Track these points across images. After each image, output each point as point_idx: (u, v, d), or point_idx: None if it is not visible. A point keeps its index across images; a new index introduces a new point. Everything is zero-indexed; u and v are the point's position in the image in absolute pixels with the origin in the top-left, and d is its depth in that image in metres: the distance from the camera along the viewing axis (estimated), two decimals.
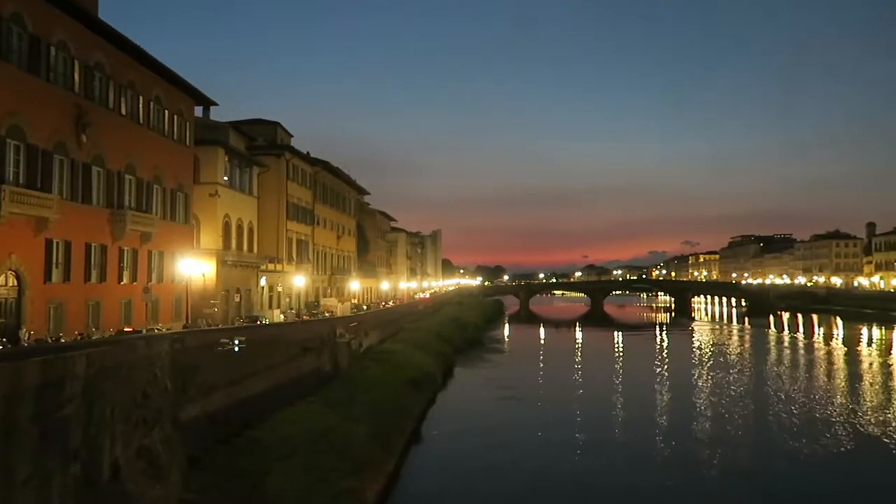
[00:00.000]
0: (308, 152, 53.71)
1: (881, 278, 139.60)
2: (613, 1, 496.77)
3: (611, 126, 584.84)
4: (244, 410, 25.09)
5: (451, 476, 25.59)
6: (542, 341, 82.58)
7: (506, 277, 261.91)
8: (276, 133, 50.75)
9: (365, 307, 59.73)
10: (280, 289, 47.26)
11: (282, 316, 40.90)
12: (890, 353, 63.21)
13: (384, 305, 68.20)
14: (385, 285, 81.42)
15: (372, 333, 51.20)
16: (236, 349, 25.48)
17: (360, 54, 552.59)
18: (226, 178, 39.39)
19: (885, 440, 30.19)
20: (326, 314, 46.30)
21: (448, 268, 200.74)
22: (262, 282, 44.16)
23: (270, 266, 45.01)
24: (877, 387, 44.49)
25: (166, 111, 32.45)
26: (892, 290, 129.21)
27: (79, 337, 22.37)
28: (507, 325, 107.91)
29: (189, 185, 35.07)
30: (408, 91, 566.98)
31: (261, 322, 35.38)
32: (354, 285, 64.79)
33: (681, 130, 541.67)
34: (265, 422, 24.86)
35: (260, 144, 47.83)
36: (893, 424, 33.06)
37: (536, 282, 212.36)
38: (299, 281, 48.99)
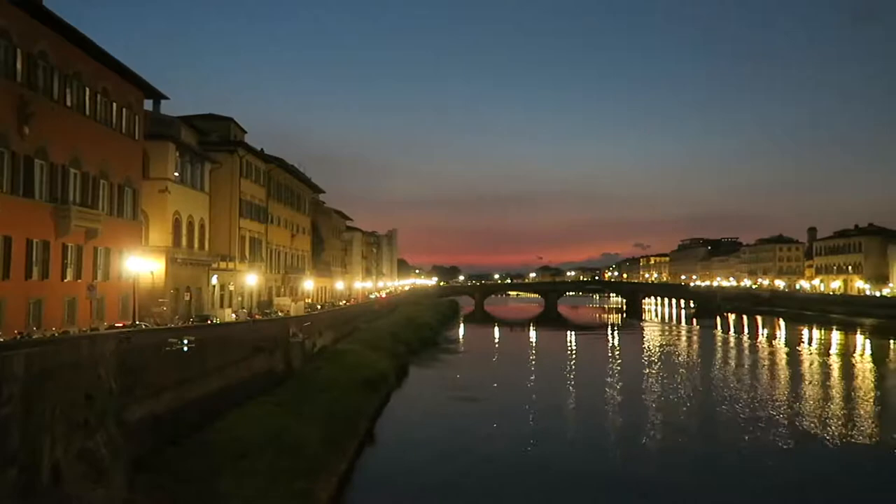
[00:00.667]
0: (262, 149, 52.95)
1: (821, 281, 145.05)
2: (568, 2, 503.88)
3: (566, 129, 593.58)
4: (194, 411, 24.58)
5: (403, 476, 25.57)
6: (497, 341, 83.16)
7: (461, 278, 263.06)
8: (229, 129, 49.84)
9: (319, 307, 59.16)
10: (232, 288, 46.44)
11: (233, 315, 40.17)
12: (828, 354, 65.72)
13: (339, 305, 67.67)
14: (340, 285, 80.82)
15: (326, 333, 50.76)
16: (185, 349, 24.93)
17: (318, 53, 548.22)
18: (176, 174, 38.50)
19: (823, 435, 31.38)
20: (280, 314, 45.70)
21: (404, 268, 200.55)
22: (214, 280, 43.31)
23: (222, 264, 44.19)
24: (815, 385, 46.21)
25: (114, 104, 31.52)
26: (830, 293, 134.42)
27: (18, 336, 21.55)
28: (462, 326, 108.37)
29: (138, 181, 34.16)
30: (364, 91, 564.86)
31: (212, 321, 34.70)
32: (309, 284, 64.12)
33: (634, 134, 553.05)
34: (216, 423, 24.41)
35: (213, 140, 46.89)
36: (829, 420, 34.40)
37: (492, 282, 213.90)
38: (252, 280, 48.23)
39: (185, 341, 25.07)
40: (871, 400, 40.62)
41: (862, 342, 77.02)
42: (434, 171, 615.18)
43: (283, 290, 57.34)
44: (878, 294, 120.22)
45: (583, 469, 26.31)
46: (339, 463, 24.76)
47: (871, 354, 65.06)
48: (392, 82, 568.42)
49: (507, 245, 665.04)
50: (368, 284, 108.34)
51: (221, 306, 43.35)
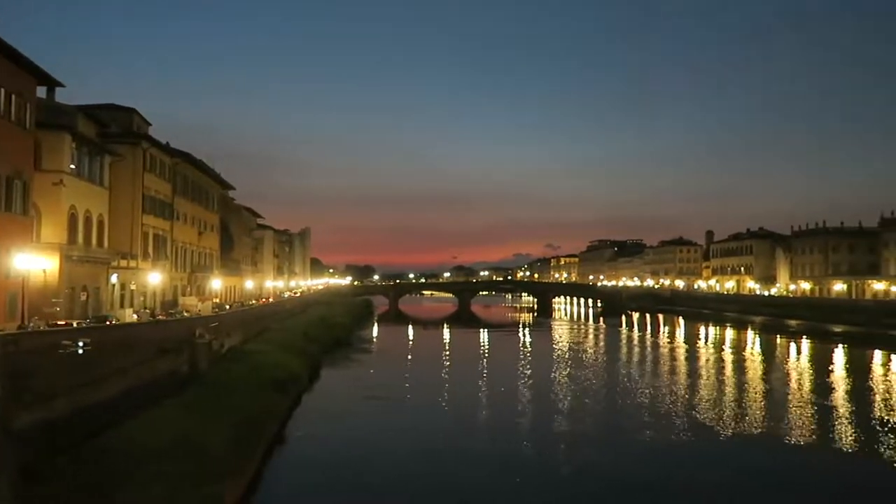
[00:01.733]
0: (168, 143, 50.82)
1: (717, 282, 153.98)
2: (490, 2, 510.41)
3: (480, 129, 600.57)
4: (92, 417, 23.32)
5: (314, 477, 25.27)
6: (411, 341, 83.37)
7: (376, 277, 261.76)
8: (132, 120, 47.50)
9: (228, 306, 57.42)
10: (134, 287, 44.33)
11: (135, 316, 38.29)
12: (722, 350, 69.92)
13: (249, 305, 65.91)
14: (250, 284, 78.70)
15: (234, 334, 49.34)
16: (80, 351, 23.61)
17: (229, 48, 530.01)
18: (73, 167, 36.29)
19: (716, 426, 33.37)
20: (185, 314, 44.04)
21: (317, 267, 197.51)
22: (114, 279, 41.21)
23: (123, 262, 42.10)
24: (710, 379, 49.05)
25: (2, 90, 29.41)
26: (725, 293, 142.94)
27: None
28: (376, 325, 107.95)
29: (29, 173, 31.97)
30: (277, 85, 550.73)
31: (111, 322, 33.00)
32: (216, 284, 62.07)
33: (547, 138, 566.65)
34: (116, 428, 23.26)
35: (114, 132, 44.53)
36: (721, 412, 36.63)
37: (406, 282, 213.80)
38: (155, 278, 46.21)
39: (81, 343, 23.75)
40: (760, 392, 43.53)
41: (752, 338, 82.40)
42: (349, 170, 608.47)
43: (189, 289, 55.26)
44: (766, 294, 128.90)
45: (494, 464, 26.81)
46: (248, 466, 24.18)
47: (760, 350, 69.73)
48: (305, 77, 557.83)
49: (423, 245, 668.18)
50: (280, 284, 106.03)
51: (122, 306, 41.26)
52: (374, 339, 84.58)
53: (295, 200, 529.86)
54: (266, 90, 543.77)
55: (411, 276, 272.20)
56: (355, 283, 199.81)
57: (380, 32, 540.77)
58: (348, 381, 48.15)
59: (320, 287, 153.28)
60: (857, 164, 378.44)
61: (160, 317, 40.70)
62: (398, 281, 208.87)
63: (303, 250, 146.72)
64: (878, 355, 63.09)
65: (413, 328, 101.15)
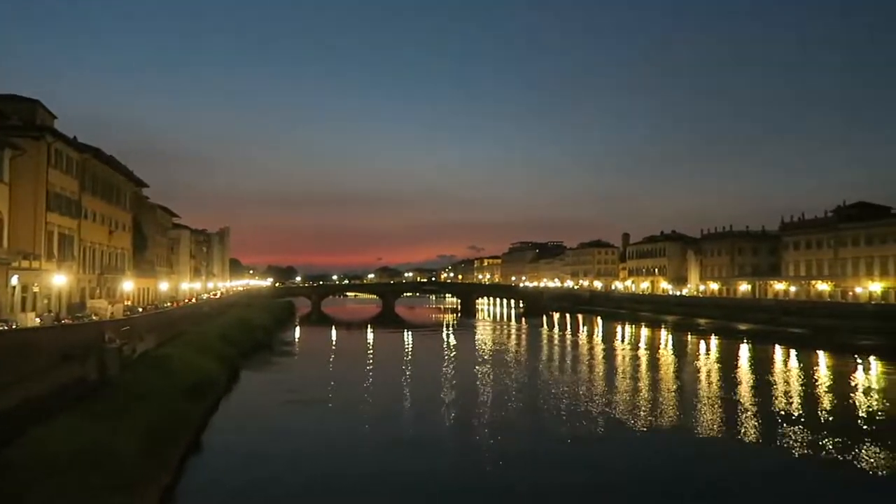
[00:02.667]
0: (76, 137, 48.20)
1: (633, 282, 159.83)
2: (412, 1, 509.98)
3: (402, 130, 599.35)
4: None
5: (231, 485, 24.54)
6: (334, 343, 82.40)
7: (298, 279, 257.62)
8: (34, 112, 44.75)
9: (140, 309, 55.01)
10: (37, 289, 41.78)
11: (38, 320, 36.10)
12: (638, 348, 72.62)
13: (164, 307, 63.38)
14: (165, 286, 75.70)
15: (148, 337, 47.32)
16: None
17: (144, 40, 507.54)
18: None
19: (631, 421, 34.64)
20: (94, 317, 41.88)
21: (237, 268, 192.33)
22: (14, 281, 38.70)
23: (25, 263, 39.59)
24: (626, 377, 50.85)
25: None
26: (640, 293, 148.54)
27: None
28: (298, 327, 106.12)
29: None
30: (195, 80, 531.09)
31: (10, 327, 30.98)
32: (128, 286, 59.37)
33: (471, 139, 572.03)
34: (16, 440, 21.82)
35: (14, 124, 41.85)
36: (637, 408, 38.05)
37: (329, 283, 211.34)
38: (61, 280, 43.71)
39: None
40: (671, 389, 45.48)
41: (665, 337, 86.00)
42: (270, 168, 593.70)
43: (98, 291, 52.59)
44: (678, 294, 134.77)
45: (415, 467, 26.83)
46: (162, 475, 23.24)
47: (672, 348, 72.87)
48: (221, 71, 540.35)
49: (346, 246, 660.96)
50: (197, 285, 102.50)
51: (24, 310, 38.81)
52: (296, 342, 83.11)
53: (214, 200, 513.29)
54: (181, 86, 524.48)
55: (335, 277, 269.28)
56: (277, 284, 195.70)
57: (296, 31, 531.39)
58: (268, 385, 47.10)
59: (240, 289, 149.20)
60: (764, 170, 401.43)
61: (66, 321, 38.55)
62: (321, 282, 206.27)
63: (222, 251, 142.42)
64: (778, 351, 67.13)
65: (336, 330, 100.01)
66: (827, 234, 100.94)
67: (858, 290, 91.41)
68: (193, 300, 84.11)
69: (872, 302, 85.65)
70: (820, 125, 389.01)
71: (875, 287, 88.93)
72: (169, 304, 69.13)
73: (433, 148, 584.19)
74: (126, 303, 53.15)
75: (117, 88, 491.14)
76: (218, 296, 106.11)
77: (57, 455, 20.73)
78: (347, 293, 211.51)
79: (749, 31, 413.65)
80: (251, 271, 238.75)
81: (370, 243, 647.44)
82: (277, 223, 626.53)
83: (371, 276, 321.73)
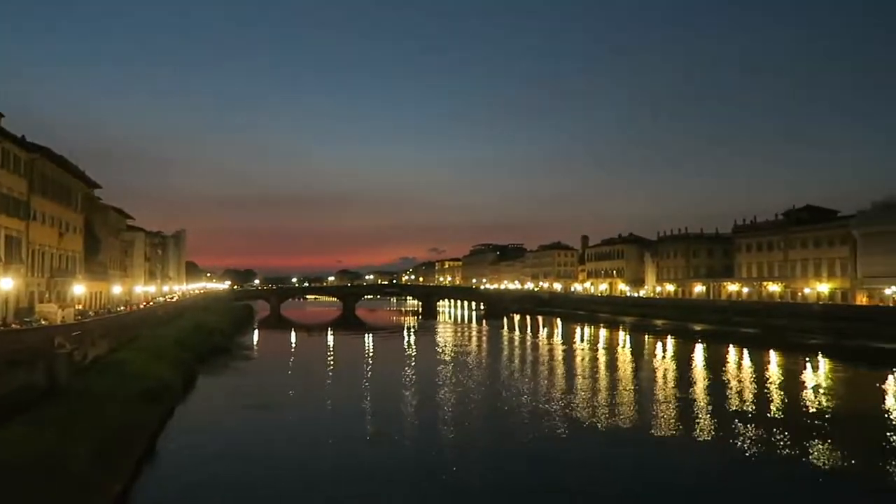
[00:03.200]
0: (24, 136, 46.64)
1: (592, 284, 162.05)
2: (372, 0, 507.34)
3: (362, 132, 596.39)
4: None
5: (186, 493, 24.02)
6: (293, 347, 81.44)
7: (257, 281, 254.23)
8: None
9: (92, 313, 53.50)
10: None
11: None
12: (596, 349, 73.64)
13: (117, 311, 61.75)
14: (118, 289, 73.77)
15: (100, 342, 46.07)
16: None
17: (95, 38, 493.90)
18: None
19: (592, 421, 35.10)
20: (43, 322, 40.57)
21: (193, 271, 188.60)
22: None
23: None
24: (585, 377, 51.49)
25: None
26: (599, 295, 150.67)
27: None
28: (256, 331, 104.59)
29: None
30: (150, 78, 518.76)
31: None
32: (79, 289, 57.65)
33: (429, 140, 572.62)
34: None
35: None
36: (597, 408, 38.58)
37: (289, 286, 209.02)
38: (7, 284, 42.18)
39: None
40: (629, 389, 46.20)
41: (623, 338, 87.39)
42: (228, 169, 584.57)
43: (48, 295, 50.94)
44: (636, 295, 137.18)
45: (376, 469, 26.69)
46: (114, 483, 22.63)
47: (630, 349, 74.11)
48: (178, 72, 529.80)
49: (306, 248, 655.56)
50: (152, 289, 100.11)
51: None
52: (255, 346, 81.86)
53: (169, 202, 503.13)
54: (133, 86, 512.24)
55: (294, 280, 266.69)
56: (235, 287, 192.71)
57: (251, 28, 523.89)
58: (226, 390, 46.28)
59: (197, 292, 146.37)
60: (719, 174, 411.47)
61: (14, 325, 37.25)
62: (280, 285, 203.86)
63: (177, 253, 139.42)
64: (732, 351, 68.84)
65: (296, 334, 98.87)
66: (777, 236, 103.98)
67: (807, 290, 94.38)
68: (149, 304, 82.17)
69: (820, 302, 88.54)
70: (774, 130, 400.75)
71: (822, 288, 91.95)
72: (123, 308, 67.40)
73: (394, 150, 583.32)
74: (77, 307, 51.66)
75: (68, 87, 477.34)
76: (174, 299, 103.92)
77: (1, 466, 20.00)
78: (307, 296, 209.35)
79: (706, 35, 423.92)
80: (208, 274, 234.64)
81: (330, 245, 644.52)
82: (235, 225, 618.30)
83: (331, 278, 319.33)
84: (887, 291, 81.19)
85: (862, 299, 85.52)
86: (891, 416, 36.96)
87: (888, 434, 31.88)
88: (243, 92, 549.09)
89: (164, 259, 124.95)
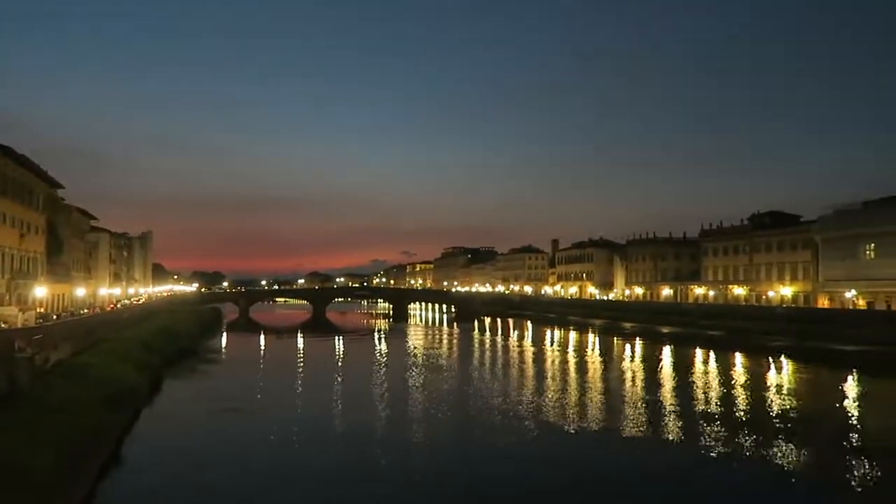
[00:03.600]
0: None
1: (562, 287, 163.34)
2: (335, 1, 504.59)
3: (335, 134, 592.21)
4: None
5: (150, 497, 23.64)
6: (262, 350, 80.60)
7: (225, 284, 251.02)
8: None
9: (55, 316, 52.31)
10: None
11: None
12: (567, 351, 74.24)
13: (81, 314, 60.46)
14: (82, 291, 72.26)
15: (63, 346, 45.01)
16: None
17: (53, 38, 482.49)
18: None
19: (562, 423, 35.40)
20: (3, 325, 39.57)
21: (160, 273, 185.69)
22: None
23: None
24: (556, 379, 51.87)
25: None
26: (569, 298, 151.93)
27: None
28: (225, 334, 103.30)
29: None
30: (112, 78, 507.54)
31: None
32: (41, 292, 56.34)
33: (400, 143, 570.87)
34: None
35: None
36: (567, 410, 38.92)
37: (258, 289, 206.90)
38: None
39: None
40: (599, 390, 46.68)
41: (593, 340, 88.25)
42: (196, 170, 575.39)
43: (8, 298, 49.67)
44: (605, 298, 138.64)
45: (344, 472, 26.56)
46: (77, 489, 22.18)
47: (600, 351, 74.85)
48: (144, 70, 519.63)
49: (276, 250, 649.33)
50: (117, 291, 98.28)
51: None
52: (223, 349, 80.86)
53: (136, 203, 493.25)
54: (97, 86, 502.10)
55: (263, 282, 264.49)
56: (203, 290, 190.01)
57: (217, 28, 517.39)
58: (193, 394, 45.62)
59: (164, 294, 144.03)
60: (686, 178, 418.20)
61: None
62: (249, 288, 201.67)
63: (144, 255, 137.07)
64: (699, 353, 69.99)
65: (265, 337, 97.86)
66: (742, 241, 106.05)
67: (771, 293, 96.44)
68: (114, 306, 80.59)
69: (783, 305, 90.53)
70: (741, 138, 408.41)
71: (786, 291, 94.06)
72: (86, 310, 66.04)
73: (365, 152, 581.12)
74: (39, 310, 50.51)
75: (30, 86, 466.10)
76: (140, 302, 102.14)
77: None
78: (277, 299, 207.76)
79: (674, 40, 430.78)
80: (175, 276, 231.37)
81: (301, 248, 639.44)
82: (203, 227, 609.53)
83: (301, 281, 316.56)
84: (847, 295, 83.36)
85: (823, 302, 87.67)
86: (849, 416, 37.99)
87: (847, 433, 32.74)
88: (209, 92, 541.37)
89: (130, 261, 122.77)
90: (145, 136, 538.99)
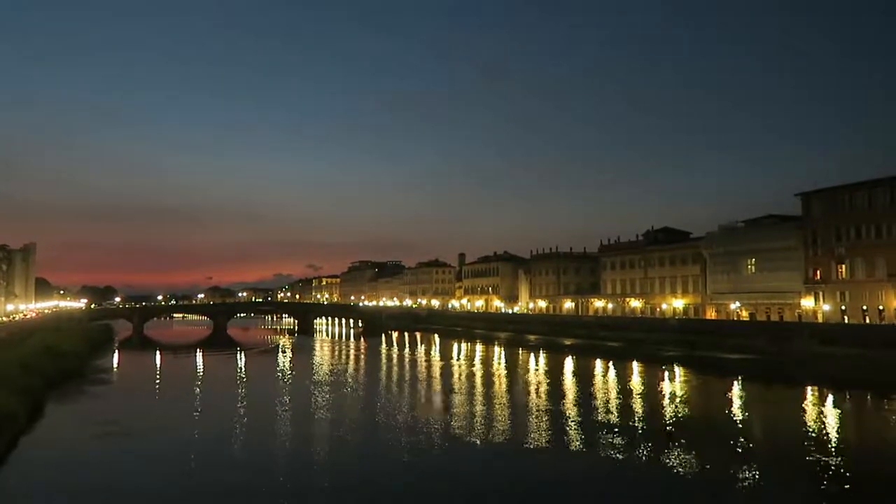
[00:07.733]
0: None
1: (469, 301, 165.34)
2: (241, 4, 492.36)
3: (237, 144, 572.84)
4: None
5: None
6: (158, 369, 76.59)
7: (117, 299, 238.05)
8: None
9: None
10: None
11: None
12: (472, 364, 75.08)
13: None
14: None
15: None
16: None
17: None
18: None
19: (467, 436, 35.57)
20: None
21: (44, 288, 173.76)
22: None
23: None
24: (462, 392, 52.21)
25: None
26: (475, 311, 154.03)
27: None
28: (116, 353, 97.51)
29: None
30: None
31: None
32: None
33: (303, 156, 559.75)
34: None
35: None
36: (472, 422, 39.22)
37: (154, 304, 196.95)
38: None
39: None
40: (502, 402, 47.36)
41: (498, 352, 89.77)
42: (85, 177, 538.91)
43: None
44: (510, 311, 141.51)
45: (241, 492, 25.58)
46: None
47: (504, 363, 76.21)
48: (24, 71, 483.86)
49: (173, 264, 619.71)
50: None
51: None
52: (114, 369, 76.20)
53: (16, 212, 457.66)
54: None
55: (160, 297, 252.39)
56: (93, 306, 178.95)
57: (110, 35, 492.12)
58: (79, 418, 42.65)
59: (48, 311, 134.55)
60: (587, 195, 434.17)
61: None
62: (144, 303, 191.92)
63: (25, 269, 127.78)
64: (598, 364, 72.57)
65: (161, 354, 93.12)
66: (637, 255, 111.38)
67: (664, 306, 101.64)
68: None
69: (676, 317, 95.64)
70: (642, 155, 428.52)
71: (678, 303, 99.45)
72: None
73: (268, 164, 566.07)
74: None
75: None
76: (21, 319, 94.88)
77: None
78: (174, 314, 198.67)
79: (572, 56, 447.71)
80: (62, 291, 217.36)
81: (200, 261, 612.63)
82: (93, 239, 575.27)
83: (201, 296, 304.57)
84: (732, 306, 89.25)
85: (711, 314, 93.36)
86: (734, 421, 40.48)
87: (733, 437, 34.81)
88: (95, 95, 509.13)
89: (10, 275, 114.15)
90: (25, 141, 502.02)
